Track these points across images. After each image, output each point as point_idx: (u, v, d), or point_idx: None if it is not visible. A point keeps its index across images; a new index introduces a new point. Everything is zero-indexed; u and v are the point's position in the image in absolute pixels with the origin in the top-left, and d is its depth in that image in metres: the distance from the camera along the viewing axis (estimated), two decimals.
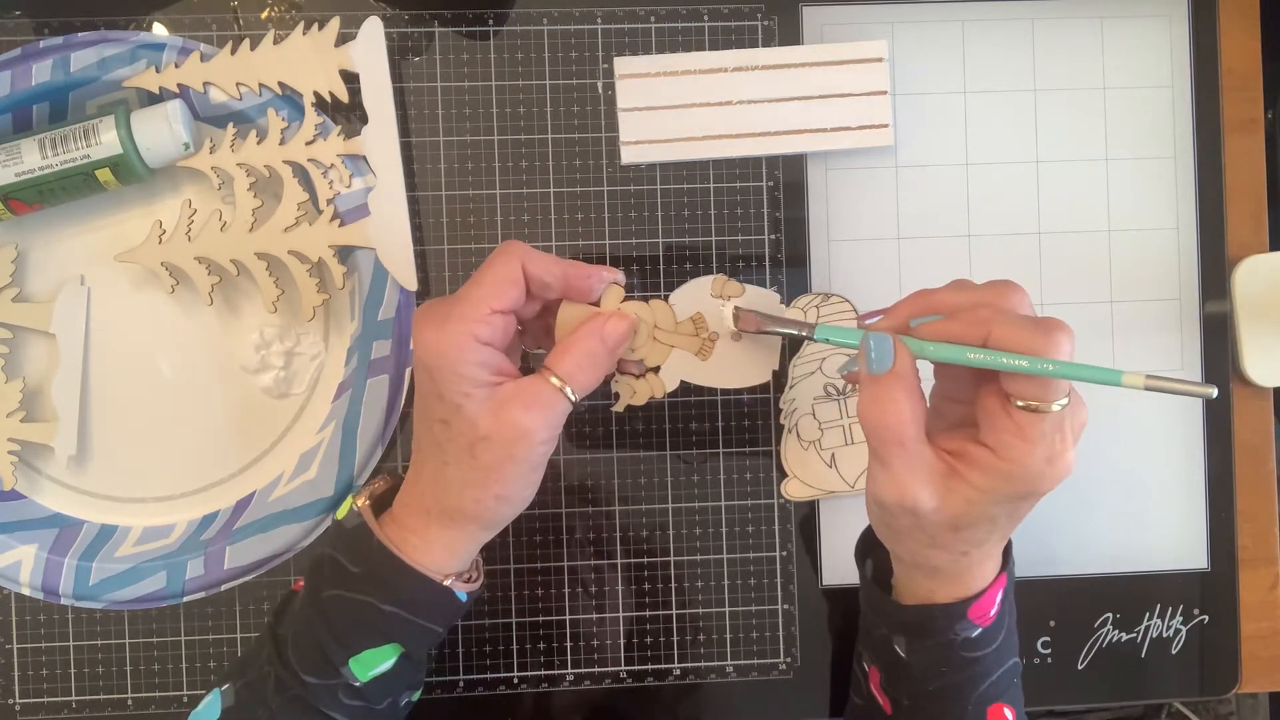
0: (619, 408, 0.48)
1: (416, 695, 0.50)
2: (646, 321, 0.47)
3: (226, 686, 0.47)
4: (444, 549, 0.46)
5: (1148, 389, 0.39)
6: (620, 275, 0.46)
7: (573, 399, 0.44)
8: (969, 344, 0.40)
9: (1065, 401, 0.40)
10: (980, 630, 0.46)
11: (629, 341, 0.46)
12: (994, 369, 0.40)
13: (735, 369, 0.48)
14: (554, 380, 0.43)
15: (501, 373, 0.44)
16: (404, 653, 0.46)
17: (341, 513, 0.48)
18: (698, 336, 0.47)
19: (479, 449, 0.43)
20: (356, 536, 0.46)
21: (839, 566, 0.58)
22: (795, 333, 0.46)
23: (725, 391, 0.58)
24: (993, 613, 0.46)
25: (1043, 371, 0.39)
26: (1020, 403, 0.40)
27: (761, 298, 0.48)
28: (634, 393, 0.48)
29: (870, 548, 0.51)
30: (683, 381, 0.48)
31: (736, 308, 0.47)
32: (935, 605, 0.45)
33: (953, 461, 0.42)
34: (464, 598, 0.46)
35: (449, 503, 0.45)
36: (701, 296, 0.48)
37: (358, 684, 0.45)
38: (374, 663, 0.45)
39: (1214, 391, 0.39)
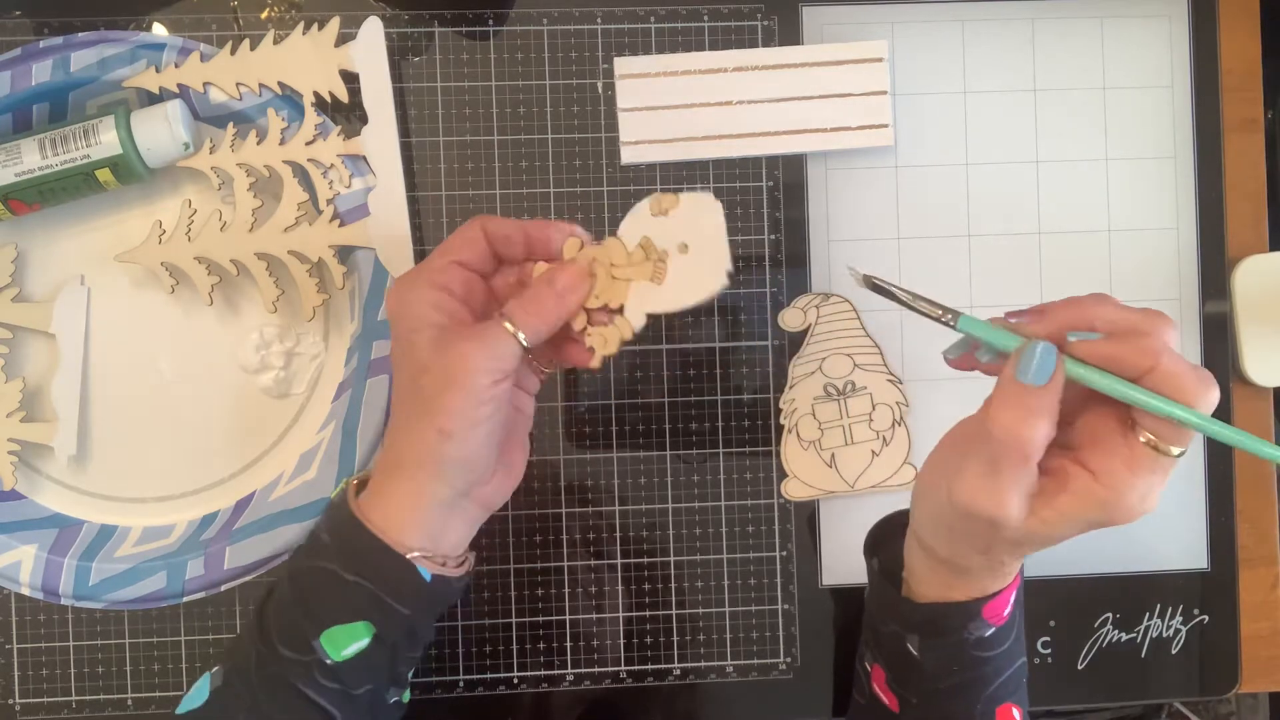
0: (595, 363, 0.46)
1: (406, 696, 0.49)
2: (603, 262, 0.46)
3: (216, 669, 0.47)
4: (400, 508, 0.45)
5: None
6: (578, 229, 0.46)
7: (522, 340, 0.44)
8: (1128, 372, 0.39)
9: (1184, 451, 0.39)
10: (994, 630, 0.46)
11: (588, 287, 0.46)
12: (1161, 414, 0.38)
13: (691, 283, 0.45)
14: (506, 325, 0.44)
15: (456, 318, 0.45)
16: (376, 635, 0.45)
17: (334, 492, 0.48)
18: (649, 262, 0.46)
19: (422, 380, 0.44)
20: (336, 507, 0.46)
21: (839, 566, 0.58)
22: (933, 316, 0.42)
23: (725, 391, 0.58)
24: (1006, 612, 0.46)
25: (1210, 432, 0.38)
26: (1146, 438, 0.39)
27: (698, 204, 0.45)
28: (605, 341, 0.46)
29: (878, 545, 0.51)
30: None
31: (865, 275, 0.43)
32: (951, 604, 0.45)
33: (1046, 482, 0.40)
34: (427, 576, 0.45)
35: (399, 448, 0.45)
36: (644, 220, 0.46)
37: (329, 662, 0.44)
38: (345, 641, 0.44)
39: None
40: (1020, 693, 0.48)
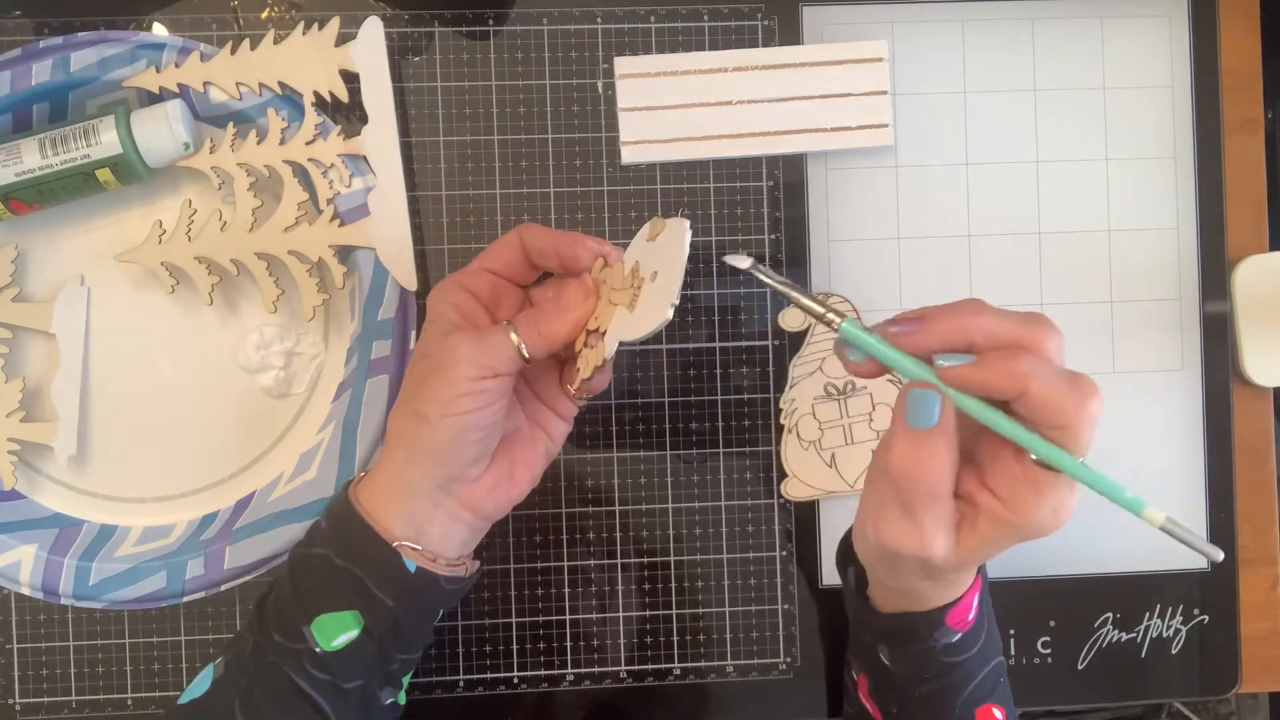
0: (574, 385, 0.47)
1: (402, 698, 0.49)
2: (607, 284, 0.46)
3: (219, 659, 0.48)
4: (382, 488, 0.46)
5: (1163, 530, 0.38)
6: (605, 246, 0.46)
7: (520, 349, 0.44)
8: (999, 398, 0.38)
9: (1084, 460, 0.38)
10: (960, 635, 0.46)
11: (591, 306, 0.45)
12: (1024, 446, 0.38)
13: (647, 313, 0.44)
14: (511, 335, 0.44)
15: (472, 319, 0.46)
16: (365, 627, 0.45)
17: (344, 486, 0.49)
18: (632, 287, 0.45)
19: (418, 366, 0.46)
20: (338, 495, 0.48)
21: None
22: (816, 315, 0.41)
23: (725, 391, 0.58)
24: (970, 617, 0.46)
25: (1074, 474, 0.37)
26: (1036, 457, 0.38)
27: (672, 231, 0.44)
28: (586, 363, 0.46)
29: (851, 556, 0.51)
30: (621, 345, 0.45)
31: (751, 265, 0.43)
32: (914, 614, 0.45)
33: (964, 508, 0.40)
34: (411, 567, 0.45)
35: (388, 429, 0.46)
36: (641, 244, 0.46)
37: (319, 651, 0.44)
38: (334, 631, 0.45)
39: (1219, 555, 0.38)
40: (999, 692, 0.48)
